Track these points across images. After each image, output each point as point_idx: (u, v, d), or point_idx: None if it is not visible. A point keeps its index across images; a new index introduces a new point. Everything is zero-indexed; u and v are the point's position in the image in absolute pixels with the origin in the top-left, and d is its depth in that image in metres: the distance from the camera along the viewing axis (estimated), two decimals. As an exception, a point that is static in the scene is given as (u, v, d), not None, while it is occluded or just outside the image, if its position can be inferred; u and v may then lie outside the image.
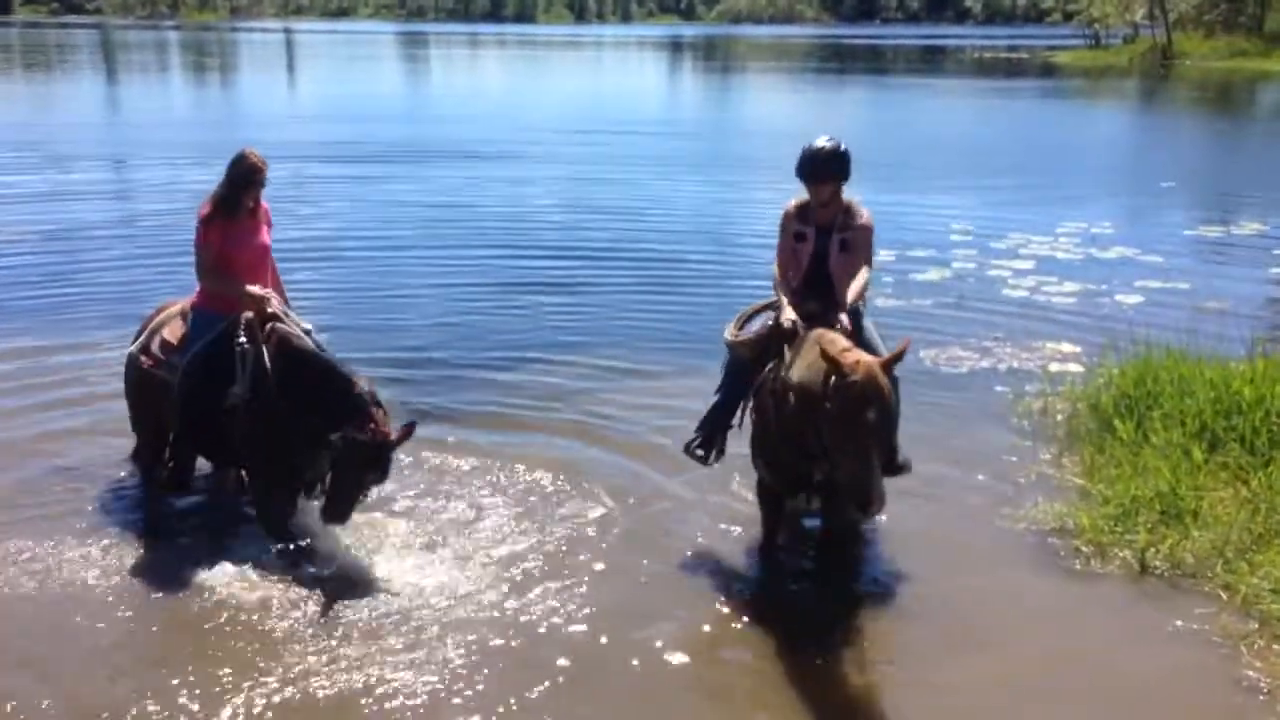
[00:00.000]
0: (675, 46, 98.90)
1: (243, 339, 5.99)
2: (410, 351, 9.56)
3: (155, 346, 6.43)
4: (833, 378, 4.94)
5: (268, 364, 5.94)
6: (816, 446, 5.19)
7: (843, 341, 5.27)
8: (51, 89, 42.53)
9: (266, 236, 6.40)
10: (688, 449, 6.32)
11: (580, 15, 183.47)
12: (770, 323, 6.01)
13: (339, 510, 5.79)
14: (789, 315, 5.80)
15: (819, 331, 5.49)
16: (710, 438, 6.27)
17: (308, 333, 6.22)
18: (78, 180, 19.08)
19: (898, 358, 5.07)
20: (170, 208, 14.87)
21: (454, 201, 17.66)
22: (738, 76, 60.69)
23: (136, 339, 6.66)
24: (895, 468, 5.96)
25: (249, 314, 6.06)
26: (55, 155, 22.01)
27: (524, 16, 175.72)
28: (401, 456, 6.95)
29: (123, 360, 6.79)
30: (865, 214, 6.03)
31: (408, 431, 5.82)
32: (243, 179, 6.16)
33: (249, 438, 6.05)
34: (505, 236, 14.86)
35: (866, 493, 4.83)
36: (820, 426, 5.07)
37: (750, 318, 6.33)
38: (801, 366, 5.39)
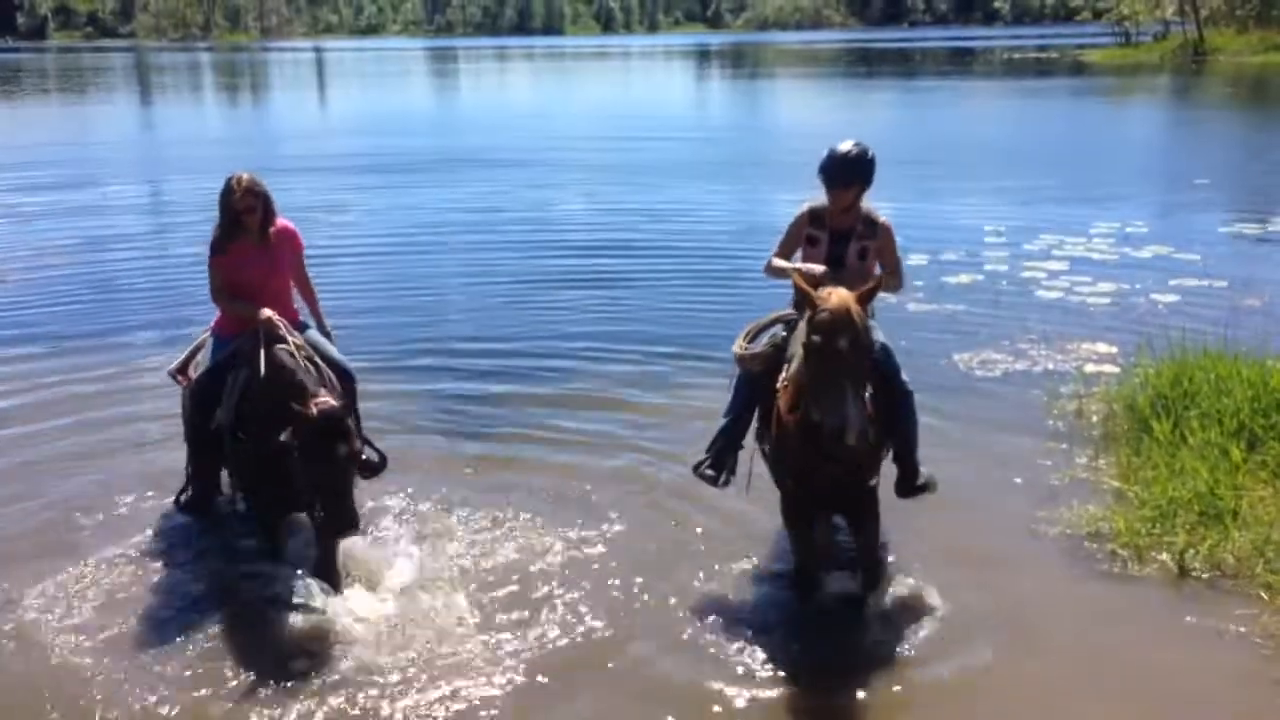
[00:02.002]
0: (702, 55, 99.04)
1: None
2: (443, 354, 9.92)
3: (192, 366, 6.57)
4: (810, 312, 5.06)
5: (255, 385, 5.81)
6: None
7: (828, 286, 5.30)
8: (88, 110, 43.15)
9: (284, 259, 6.34)
10: (697, 470, 6.13)
11: (607, 26, 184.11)
12: (781, 334, 5.91)
13: (333, 511, 5.42)
14: (815, 267, 5.69)
15: None
16: (721, 457, 6.07)
17: (321, 357, 6.11)
18: (115, 197, 19.59)
19: (872, 291, 5.25)
20: (207, 226, 15.03)
21: (484, 206, 18.25)
22: (765, 82, 60.63)
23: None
24: (916, 488, 5.92)
25: (251, 337, 5.97)
26: (94, 174, 22.39)
27: (551, 29, 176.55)
28: (421, 470, 7.08)
29: (161, 378, 6.95)
30: (885, 219, 5.97)
31: (346, 403, 5.60)
32: (231, 207, 6.10)
33: (232, 461, 6.10)
34: (537, 236, 15.56)
35: (842, 423, 4.84)
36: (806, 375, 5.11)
37: (759, 331, 6.13)
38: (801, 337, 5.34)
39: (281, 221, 6.33)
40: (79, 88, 58.35)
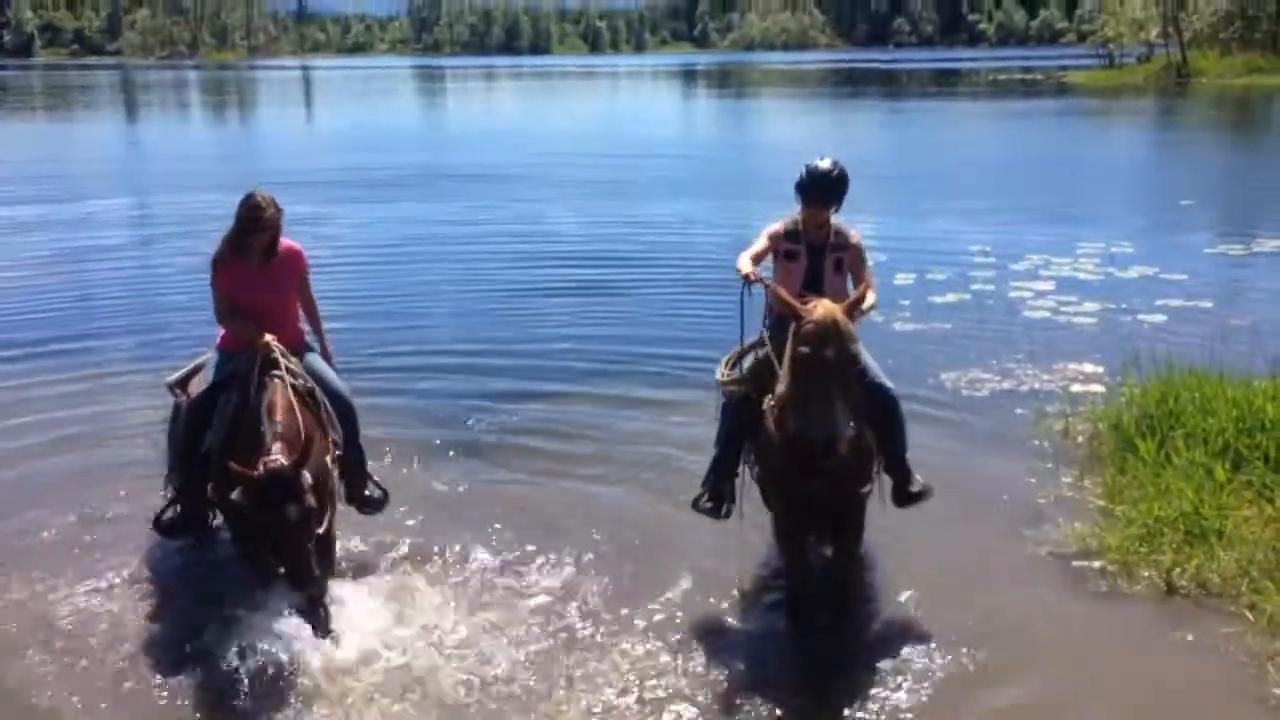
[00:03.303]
0: (689, 75, 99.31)
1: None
2: (431, 367, 10.05)
3: (195, 382, 6.33)
4: (795, 325, 5.11)
5: (245, 413, 5.63)
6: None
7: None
8: (74, 127, 43.07)
9: (288, 280, 6.17)
10: (696, 505, 6.11)
11: (594, 46, 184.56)
12: (764, 353, 5.90)
13: (290, 571, 5.28)
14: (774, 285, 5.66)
15: None
16: (718, 489, 6.06)
17: (319, 384, 5.98)
18: (99, 212, 19.67)
19: (857, 302, 5.32)
20: (191, 241, 15.15)
21: (471, 219, 18.67)
22: (751, 102, 60.85)
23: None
24: (911, 496, 5.95)
25: (248, 360, 5.81)
26: (78, 190, 22.36)
27: (538, 48, 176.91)
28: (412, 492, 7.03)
29: (150, 392, 6.85)
30: (856, 234, 6.00)
31: (305, 452, 5.26)
32: (244, 221, 5.91)
33: (218, 487, 5.75)
34: (524, 248, 16.01)
35: (830, 435, 4.87)
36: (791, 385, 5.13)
37: (740, 357, 6.16)
38: (787, 350, 5.33)
39: (285, 241, 6.15)
40: (65, 105, 58.23)
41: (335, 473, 5.95)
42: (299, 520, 5.13)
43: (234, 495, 5.11)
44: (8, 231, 17.98)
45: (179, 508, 6.21)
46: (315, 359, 6.26)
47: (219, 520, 6.32)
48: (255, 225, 5.89)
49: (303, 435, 5.41)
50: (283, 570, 5.34)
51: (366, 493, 6.37)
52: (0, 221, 18.88)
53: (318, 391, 5.93)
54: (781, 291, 5.38)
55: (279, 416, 5.45)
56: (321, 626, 5.50)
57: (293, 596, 5.56)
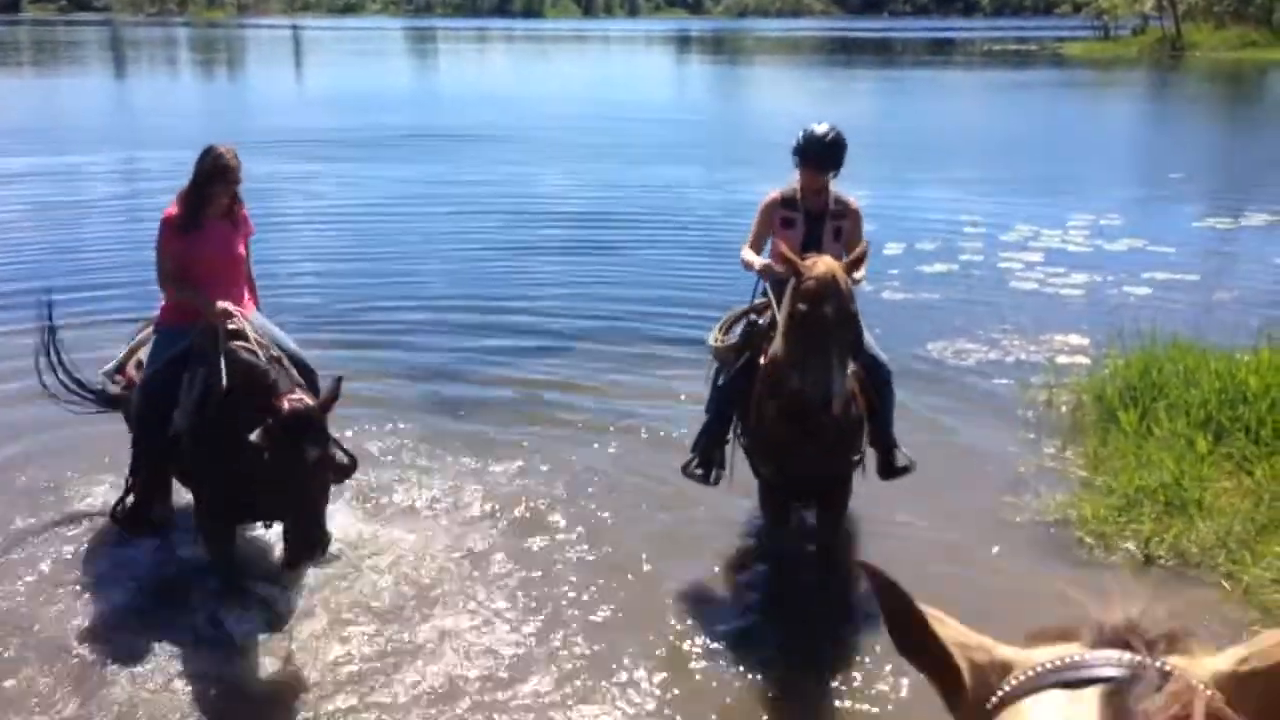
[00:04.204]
0: (683, 41, 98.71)
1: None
2: (423, 326, 10.09)
3: (131, 367, 6.01)
4: (794, 280, 5.08)
5: (216, 387, 5.32)
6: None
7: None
8: (61, 82, 42.67)
9: (242, 246, 5.87)
10: (686, 470, 6.12)
11: (588, 10, 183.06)
12: (759, 322, 5.92)
13: (300, 528, 4.95)
14: (778, 265, 5.62)
15: None
16: (708, 455, 6.07)
17: (283, 351, 5.71)
18: (86, 167, 19.61)
19: (859, 260, 5.29)
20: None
21: (463, 179, 18.70)
22: (745, 69, 60.55)
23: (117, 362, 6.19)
24: (896, 469, 5.98)
25: (208, 332, 5.47)
26: (65, 145, 22.18)
27: (531, 11, 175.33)
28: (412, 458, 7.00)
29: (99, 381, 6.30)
30: (855, 201, 6.01)
31: (332, 395, 5.09)
32: (207, 176, 5.58)
33: (190, 469, 5.57)
34: (516, 207, 16.08)
35: (827, 391, 4.89)
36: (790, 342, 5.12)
37: (734, 322, 6.17)
38: (783, 307, 5.32)
39: (243, 209, 5.89)
40: (53, 61, 57.65)
41: None
42: (319, 466, 4.96)
43: (253, 437, 4.83)
44: None
45: (134, 498, 5.78)
46: (267, 323, 5.95)
47: (180, 508, 6.05)
48: (223, 178, 5.59)
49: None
50: (285, 531, 5.03)
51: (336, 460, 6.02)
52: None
53: (285, 361, 5.64)
54: (783, 246, 5.34)
55: (278, 367, 5.32)
56: (283, 610, 5.34)
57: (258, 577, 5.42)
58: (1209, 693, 0.90)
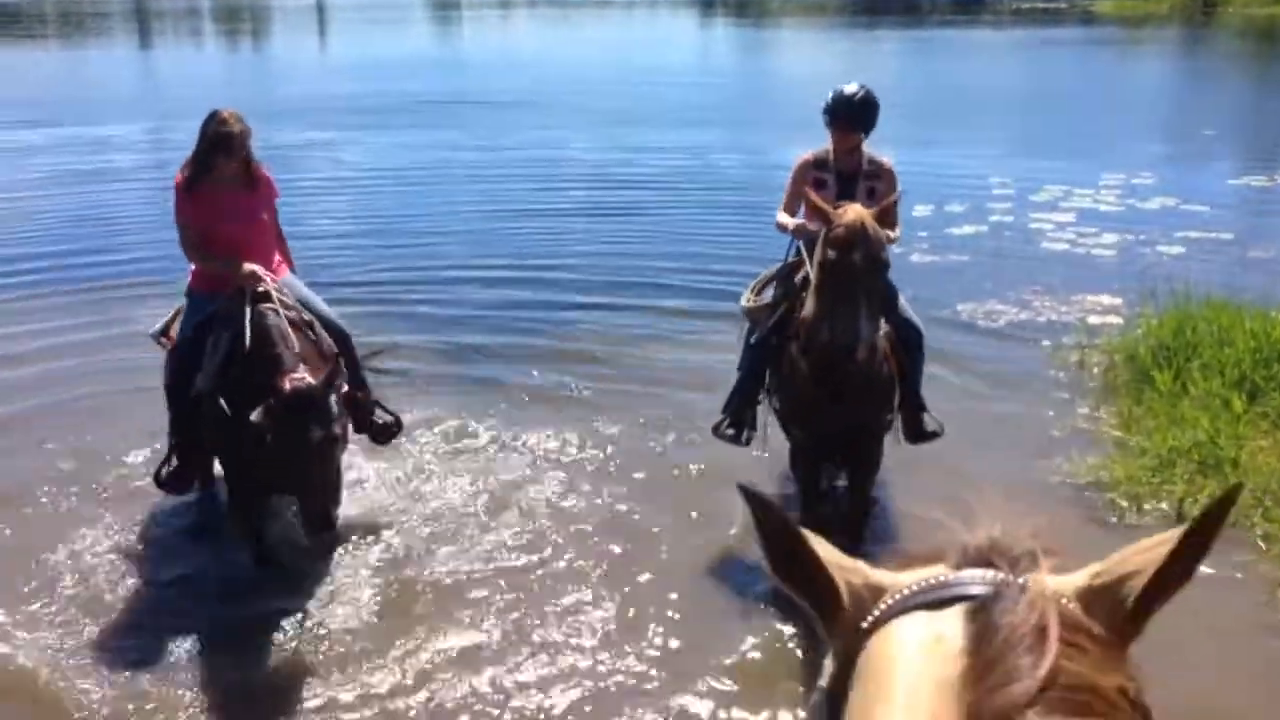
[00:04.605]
0: (706, 4, 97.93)
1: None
2: (446, 280, 10.28)
3: (174, 328, 5.98)
4: (825, 229, 5.04)
5: (239, 350, 5.25)
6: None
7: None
8: (88, 53, 42.81)
9: (265, 210, 5.79)
10: (716, 431, 6.10)
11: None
12: (787, 279, 5.89)
13: (307, 506, 4.99)
14: (811, 224, 5.56)
15: None
16: (739, 415, 6.06)
17: (314, 315, 5.69)
18: (114, 137, 19.79)
19: (889, 209, 5.24)
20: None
21: (489, 144, 18.69)
22: (770, 32, 59.98)
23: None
24: (924, 434, 5.94)
25: (235, 295, 5.41)
26: (92, 115, 22.29)
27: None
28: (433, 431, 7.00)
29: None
30: (889, 161, 5.96)
31: (328, 379, 5.04)
32: (209, 145, 5.48)
33: (210, 433, 5.51)
34: (544, 171, 16.20)
35: (854, 338, 4.87)
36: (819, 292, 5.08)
37: (767, 283, 6.15)
38: (814, 259, 5.28)
39: (259, 166, 5.79)
40: (78, 32, 57.81)
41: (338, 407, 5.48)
42: (322, 443, 4.87)
43: (254, 416, 4.81)
44: (22, 154, 18.12)
45: (176, 461, 5.80)
46: (299, 285, 5.92)
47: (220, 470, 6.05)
48: (225, 146, 5.48)
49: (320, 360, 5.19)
50: (296, 507, 5.03)
51: (377, 419, 6.09)
52: (15, 144, 19.02)
53: (316, 325, 5.63)
54: (813, 194, 5.28)
55: (294, 339, 5.19)
56: (314, 583, 5.29)
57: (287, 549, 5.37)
58: (1068, 603, 0.93)
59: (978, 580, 0.95)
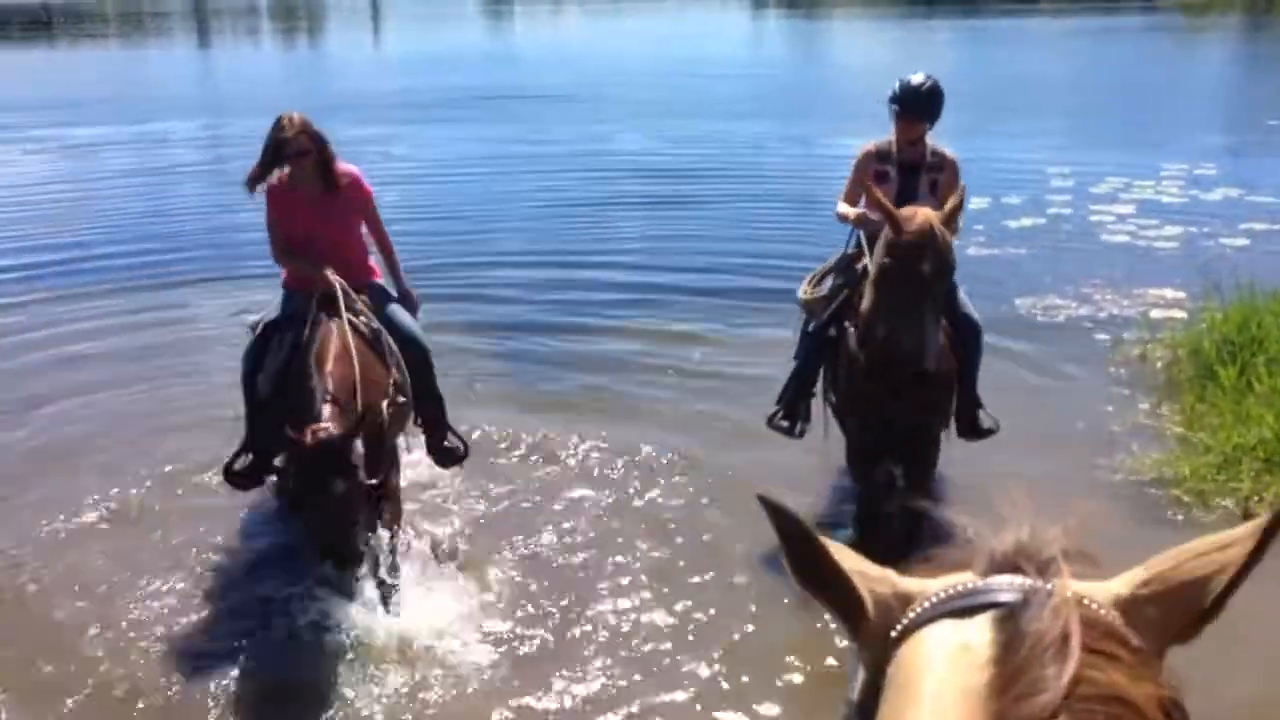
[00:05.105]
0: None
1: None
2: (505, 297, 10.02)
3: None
4: (890, 232, 4.93)
5: (296, 359, 5.19)
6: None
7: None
8: (147, 53, 43.47)
9: (350, 213, 5.69)
10: (771, 422, 6.05)
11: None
12: (847, 270, 5.85)
13: (330, 544, 4.87)
14: (873, 214, 5.53)
15: None
16: (793, 407, 6.00)
17: (395, 326, 5.59)
18: (175, 134, 20.19)
19: (955, 211, 5.06)
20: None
21: (541, 137, 18.81)
22: (823, 22, 59.63)
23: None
24: (980, 430, 5.87)
25: (306, 299, 5.39)
26: (152, 112, 22.66)
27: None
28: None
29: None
30: (953, 154, 5.89)
31: (356, 423, 4.79)
32: (271, 151, 5.44)
33: (261, 433, 5.41)
34: (597, 163, 16.27)
35: (922, 348, 4.80)
36: (881, 295, 4.98)
37: (825, 275, 6.08)
38: (874, 257, 5.20)
39: (345, 167, 5.68)
40: (138, 31, 58.73)
41: (387, 415, 5.30)
42: (345, 496, 4.72)
43: (277, 462, 4.72)
44: (87, 150, 18.54)
45: (249, 456, 5.65)
46: (386, 294, 5.83)
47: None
48: (281, 148, 5.40)
49: (358, 392, 4.99)
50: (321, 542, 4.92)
51: (445, 444, 5.98)
52: (80, 140, 19.44)
53: (384, 335, 5.53)
54: (879, 194, 5.17)
55: (330, 368, 5.00)
56: (385, 596, 5.14)
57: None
58: (1100, 610, 0.92)
59: (1005, 587, 0.94)
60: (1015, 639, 0.88)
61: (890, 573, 1.05)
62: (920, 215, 4.94)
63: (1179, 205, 12.80)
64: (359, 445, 4.76)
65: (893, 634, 0.98)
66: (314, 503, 4.74)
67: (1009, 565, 0.96)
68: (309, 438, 4.61)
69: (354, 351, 5.11)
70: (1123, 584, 0.99)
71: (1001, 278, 9.91)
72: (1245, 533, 1.01)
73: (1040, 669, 0.84)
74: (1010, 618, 0.90)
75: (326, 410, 4.81)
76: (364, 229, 5.86)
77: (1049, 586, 0.92)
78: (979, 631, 0.91)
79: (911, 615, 0.98)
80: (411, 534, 5.77)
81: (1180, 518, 5.89)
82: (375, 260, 6.01)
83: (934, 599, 0.97)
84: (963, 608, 0.95)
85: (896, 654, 0.97)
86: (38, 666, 4.94)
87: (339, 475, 4.66)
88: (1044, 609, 0.89)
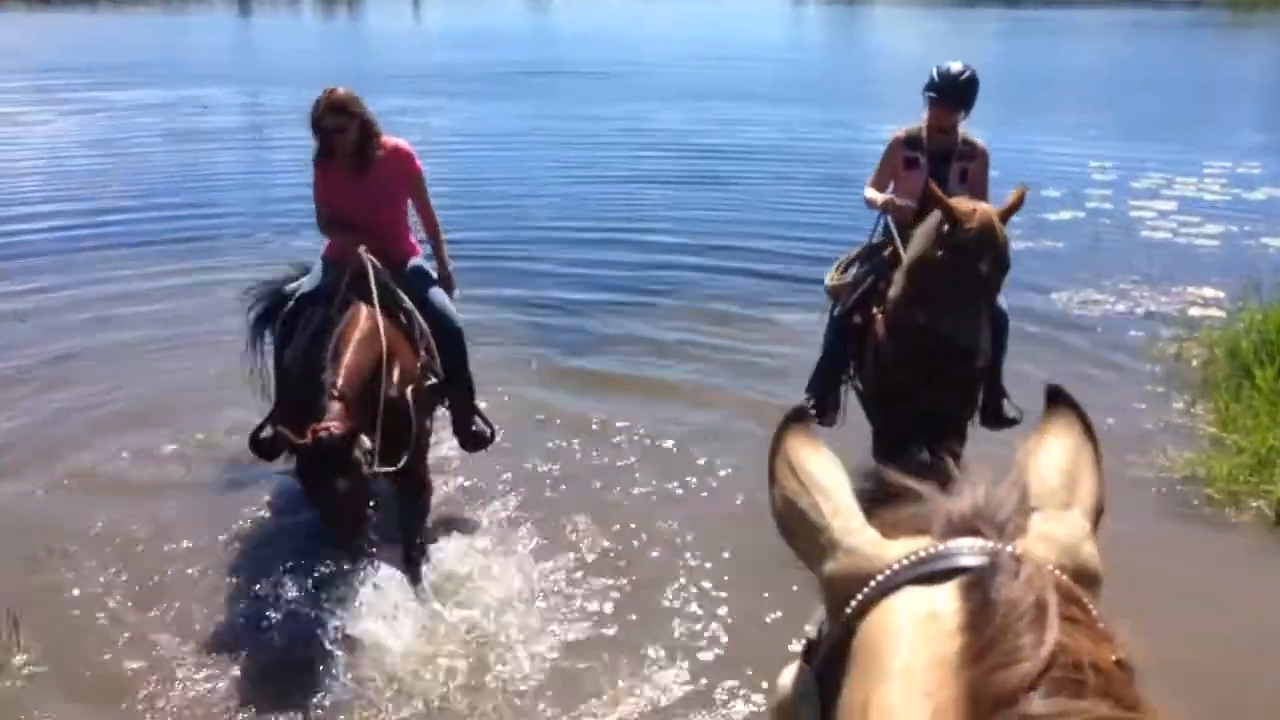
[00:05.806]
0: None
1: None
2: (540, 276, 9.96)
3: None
4: (945, 226, 4.79)
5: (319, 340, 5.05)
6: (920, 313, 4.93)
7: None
8: (188, 20, 43.66)
9: (394, 189, 5.59)
10: None
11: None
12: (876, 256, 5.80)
13: (338, 536, 4.91)
14: (900, 200, 5.59)
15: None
16: (823, 397, 5.92)
17: (428, 307, 5.51)
18: (214, 101, 20.32)
19: (1014, 208, 4.94)
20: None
21: (581, 115, 18.85)
22: (863, 8, 59.23)
23: None
24: (1003, 420, 5.81)
25: (339, 274, 5.31)
26: (192, 79, 22.81)
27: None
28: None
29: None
30: (983, 144, 5.83)
31: (354, 428, 4.63)
32: (312, 123, 5.40)
33: (279, 407, 5.34)
34: (635, 140, 16.43)
35: (974, 344, 4.76)
36: (928, 287, 4.86)
37: (852, 262, 6.02)
38: (914, 245, 5.10)
39: (393, 142, 5.55)
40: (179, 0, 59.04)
41: (411, 400, 5.18)
42: (349, 493, 4.67)
43: (281, 460, 4.67)
44: (128, 113, 18.87)
45: (274, 427, 5.36)
46: (423, 273, 5.73)
47: None
48: (330, 124, 5.32)
49: (380, 374, 4.91)
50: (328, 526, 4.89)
51: (473, 428, 5.90)
52: (122, 103, 19.81)
53: (415, 316, 5.44)
54: (936, 189, 5.03)
55: (346, 360, 4.86)
56: (411, 579, 5.10)
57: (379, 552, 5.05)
58: (1059, 574, 0.90)
59: (967, 550, 0.90)
60: (986, 606, 0.85)
61: (858, 528, 0.99)
62: (981, 211, 4.81)
63: (1221, 203, 12.66)
64: (365, 440, 4.70)
65: (854, 603, 0.94)
66: (320, 499, 4.72)
67: (967, 528, 0.93)
68: (309, 438, 4.54)
69: (382, 336, 5.02)
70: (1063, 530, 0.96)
71: (1039, 271, 9.79)
72: (1068, 438, 1.07)
73: (1015, 638, 0.81)
74: (978, 584, 0.87)
75: (333, 408, 4.70)
76: (410, 205, 5.77)
77: (1012, 549, 0.89)
78: (946, 599, 0.88)
79: (873, 584, 0.94)
80: (445, 515, 5.73)
81: (1211, 516, 5.84)
82: (419, 238, 5.92)
83: (895, 566, 0.93)
84: (926, 574, 0.91)
85: (860, 625, 0.93)
86: (68, 639, 4.93)
87: (342, 474, 4.59)
88: (1015, 577, 0.86)
